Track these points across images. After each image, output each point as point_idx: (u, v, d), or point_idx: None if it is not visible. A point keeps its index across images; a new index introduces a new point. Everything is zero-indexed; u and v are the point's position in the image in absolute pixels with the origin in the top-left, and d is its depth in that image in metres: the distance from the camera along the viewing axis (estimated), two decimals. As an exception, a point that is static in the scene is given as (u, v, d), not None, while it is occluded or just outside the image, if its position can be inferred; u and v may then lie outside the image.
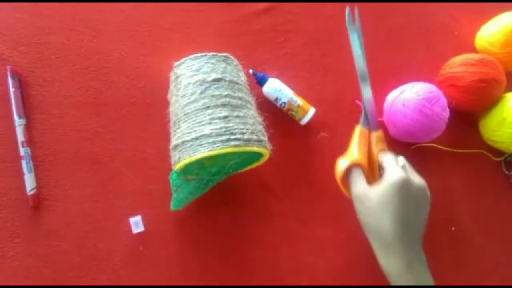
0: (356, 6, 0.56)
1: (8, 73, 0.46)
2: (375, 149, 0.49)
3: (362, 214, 0.43)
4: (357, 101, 0.56)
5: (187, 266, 0.48)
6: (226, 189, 0.50)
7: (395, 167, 0.42)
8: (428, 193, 0.44)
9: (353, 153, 0.47)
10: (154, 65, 0.52)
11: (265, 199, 0.51)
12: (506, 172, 0.60)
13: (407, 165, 0.45)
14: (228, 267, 0.49)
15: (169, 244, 0.48)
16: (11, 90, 0.46)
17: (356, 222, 0.53)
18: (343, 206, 0.54)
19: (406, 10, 0.62)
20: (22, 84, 0.47)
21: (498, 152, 0.59)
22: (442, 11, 0.63)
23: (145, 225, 0.47)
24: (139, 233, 0.47)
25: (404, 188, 0.41)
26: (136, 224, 0.46)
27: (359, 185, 0.43)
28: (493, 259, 0.58)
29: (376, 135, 0.50)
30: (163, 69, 0.52)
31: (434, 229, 0.56)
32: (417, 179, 0.43)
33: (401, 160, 0.46)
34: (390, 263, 0.41)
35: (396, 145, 0.57)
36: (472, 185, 0.58)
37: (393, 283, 0.41)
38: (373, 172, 0.49)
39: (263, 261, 0.50)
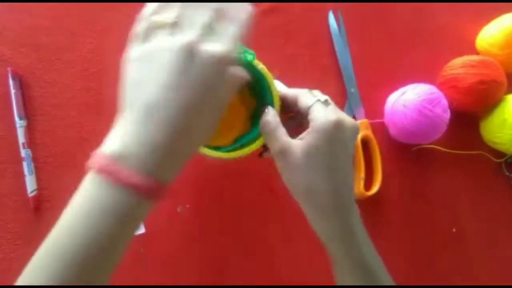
0: (339, 9, 0.57)
1: (9, 75, 0.46)
2: (358, 133, 0.53)
3: (286, 173, 0.34)
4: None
5: (188, 267, 0.48)
6: (226, 189, 0.50)
7: (323, 109, 0.33)
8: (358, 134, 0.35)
9: None
10: (155, 66, 0.52)
11: (265, 199, 0.51)
12: (507, 173, 0.60)
13: (333, 104, 0.35)
14: (228, 268, 0.49)
15: (170, 246, 0.48)
16: (12, 91, 0.46)
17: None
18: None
19: (406, 11, 0.62)
20: (23, 86, 0.47)
21: (499, 154, 0.59)
22: (443, 13, 0.63)
23: (146, 226, 0.47)
24: (140, 235, 0.47)
25: (336, 133, 0.31)
26: (137, 225, 0.46)
27: (279, 138, 0.33)
28: (494, 260, 0.58)
29: (360, 122, 0.55)
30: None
31: (435, 231, 0.56)
32: (348, 119, 0.33)
33: (326, 97, 0.35)
34: (326, 228, 0.34)
35: (397, 147, 0.57)
36: (473, 186, 0.58)
37: (331, 251, 0.35)
38: (358, 156, 0.53)
39: (263, 261, 0.50)
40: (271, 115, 0.35)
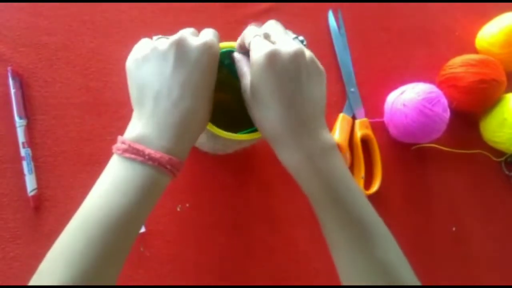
0: (339, 8, 0.57)
1: (9, 74, 0.46)
2: (358, 132, 0.54)
3: (249, 113, 0.35)
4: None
5: (188, 267, 0.48)
6: (226, 189, 0.50)
7: (259, 44, 0.32)
8: (307, 60, 0.32)
9: (335, 135, 0.53)
10: (154, 65, 0.52)
11: (266, 199, 0.51)
12: (507, 172, 0.60)
13: (277, 32, 0.34)
14: (228, 268, 0.49)
15: (170, 245, 0.48)
16: (12, 91, 0.46)
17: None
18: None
19: (406, 11, 0.62)
20: (23, 85, 0.47)
21: (498, 153, 0.59)
22: (442, 12, 0.63)
23: (146, 225, 0.47)
24: (140, 234, 0.47)
25: (269, 65, 0.30)
26: (137, 225, 0.46)
27: (243, 80, 0.34)
28: (494, 259, 0.58)
29: (359, 121, 0.55)
30: (163, 69, 0.52)
31: (435, 230, 0.56)
32: (288, 47, 0.31)
33: (265, 29, 0.34)
34: (288, 157, 0.33)
35: (397, 146, 0.57)
36: (472, 185, 0.59)
37: (297, 178, 0.33)
38: (358, 155, 0.54)
39: (263, 261, 0.50)
40: (238, 58, 0.36)
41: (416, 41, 0.62)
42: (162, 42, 0.32)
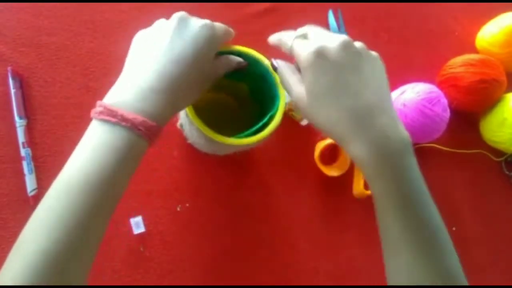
0: (339, 8, 0.57)
1: (9, 74, 0.46)
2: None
3: (307, 118, 0.34)
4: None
5: (188, 266, 0.48)
6: (226, 189, 0.50)
7: (301, 45, 0.32)
8: (358, 48, 0.32)
9: None
10: (154, 65, 0.52)
11: (266, 199, 0.51)
12: (507, 172, 0.60)
13: (315, 31, 0.33)
14: (228, 268, 0.49)
15: (169, 245, 0.48)
16: (12, 91, 0.46)
17: (359, 222, 0.54)
18: (345, 206, 0.54)
19: (407, 11, 0.62)
20: (23, 85, 0.47)
21: (498, 153, 0.59)
22: (442, 12, 0.63)
23: (145, 225, 0.47)
24: (140, 234, 0.47)
25: (320, 62, 0.30)
26: (137, 224, 0.46)
27: (292, 89, 0.33)
28: (494, 259, 0.58)
29: None
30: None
31: (435, 230, 0.56)
32: (332, 40, 0.31)
33: (304, 30, 0.34)
34: (358, 153, 0.30)
35: (397, 146, 0.57)
36: (472, 185, 0.59)
37: (366, 175, 0.31)
38: None
39: (263, 261, 0.50)
40: (282, 67, 0.35)
41: (416, 41, 0.62)
42: (168, 20, 0.34)
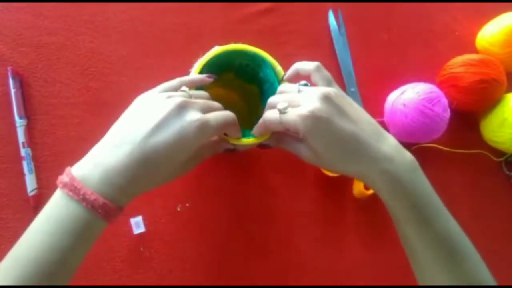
0: (339, 8, 0.57)
1: (9, 74, 0.46)
2: None
3: (310, 162, 0.37)
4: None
5: (188, 266, 0.48)
6: (227, 189, 0.50)
7: (290, 118, 0.34)
8: (336, 96, 0.34)
9: None
10: (154, 66, 0.52)
11: (266, 199, 0.51)
12: (507, 172, 0.60)
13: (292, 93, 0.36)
14: (228, 267, 0.49)
15: (169, 245, 0.48)
16: (12, 90, 0.46)
17: (359, 222, 0.54)
18: (345, 206, 0.54)
19: (407, 11, 0.62)
20: (23, 85, 0.47)
21: (498, 153, 0.59)
22: (442, 12, 0.63)
23: (146, 225, 0.47)
24: (140, 234, 0.47)
25: (314, 124, 0.32)
26: (137, 224, 0.46)
27: (288, 146, 0.38)
28: (495, 259, 0.57)
29: None
30: (164, 69, 0.52)
31: (435, 230, 0.56)
32: (312, 100, 0.33)
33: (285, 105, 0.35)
34: (374, 179, 0.34)
35: (397, 146, 0.57)
36: (472, 185, 0.58)
37: (383, 198, 0.35)
38: None
39: (263, 261, 0.50)
40: (284, 143, 0.38)
41: (416, 41, 0.62)
42: (169, 99, 0.32)
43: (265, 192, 0.52)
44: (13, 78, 0.46)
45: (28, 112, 0.47)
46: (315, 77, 0.37)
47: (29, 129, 0.46)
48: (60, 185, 0.30)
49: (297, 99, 0.34)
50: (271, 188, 0.52)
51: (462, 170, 0.58)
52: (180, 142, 0.31)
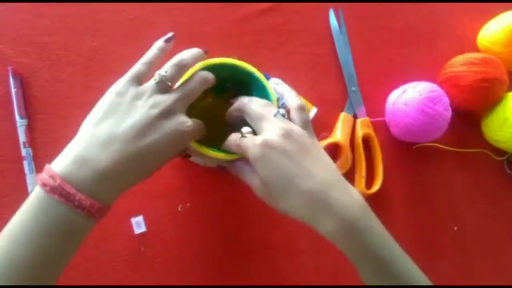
0: (340, 7, 0.57)
1: (10, 74, 0.46)
2: (359, 131, 0.54)
3: (273, 206, 0.36)
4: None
5: (189, 266, 0.48)
6: (227, 189, 0.50)
7: (247, 140, 0.34)
8: (298, 137, 0.34)
9: (336, 134, 0.53)
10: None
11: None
12: (509, 171, 0.60)
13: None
14: (229, 267, 0.49)
15: (170, 245, 0.48)
16: (13, 90, 0.46)
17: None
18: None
19: (407, 10, 0.62)
20: (23, 85, 0.47)
21: (500, 152, 0.59)
22: (444, 10, 0.63)
23: (146, 225, 0.47)
24: (141, 234, 0.47)
25: (267, 152, 0.33)
26: (138, 224, 0.46)
27: (253, 183, 0.37)
28: (496, 258, 0.57)
29: (361, 120, 0.55)
30: (164, 69, 0.52)
31: (437, 229, 0.56)
32: (278, 131, 0.33)
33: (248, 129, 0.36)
34: (328, 228, 0.33)
35: (398, 145, 0.57)
36: (474, 184, 0.58)
37: (341, 247, 0.33)
38: (359, 154, 0.54)
39: (263, 261, 0.50)
40: (237, 166, 0.38)
41: (417, 40, 0.61)
42: (153, 103, 0.32)
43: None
44: (14, 78, 0.46)
45: (28, 112, 0.47)
46: (293, 115, 0.37)
47: (30, 129, 0.46)
48: (45, 188, 0.28)
49: (263, 126, 0.34)
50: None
51: (463, 169, 0.58)
52: (171, 144, 0.32)
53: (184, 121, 0.33)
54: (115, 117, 0.31)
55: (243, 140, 0.34)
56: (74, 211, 0.28)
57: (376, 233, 0.32)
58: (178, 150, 0.34)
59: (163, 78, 0.34)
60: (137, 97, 0.33)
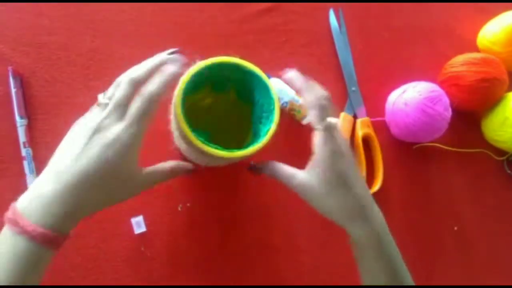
0: (340, 7, 0.57)
1: (10, 74, 0.46)
2: (359, 131, 0.54)
3: (316, 202, 0.39)
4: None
5: (189, 266, 0.48)
6: (227, 189, 0.50)
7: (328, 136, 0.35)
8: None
9: None
10: (155, 65, 0.52)
11: (266, 199, 0.51)
12: (509, 171, 0.60)
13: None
14: (229, 267, 0.49)
15: (170, 245, 0.48)
16: (13, 90, 0.46)
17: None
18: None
19: (407, 10, 0.62)
20: (23, 85, 0.47)
21: (500, 152, 0.59)
22: (444, 10, 0.63)
23: (146, 225, 0.47)
24: (141, 234, 0.47)
25: (337, 155, 0.35)
26: (138, 224, 0.46)
27: (288, 182, 0.39)
28: (496, 258, 0.57)
29: (361, 120, 0.55)
30: (164, 69, 0.52)
31: (437, 229, 0.56)
32: (346, 140, 0.37)
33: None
34: (361, 233, 0.36)
35: (398, 145, 0.57)
36: (474, 184, 0.58)
37: (363, 255, 0.37)
38: (359, 154, 0.54)
39: (264, 261, 0.50)
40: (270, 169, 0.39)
41: (417, 40, 0.61)
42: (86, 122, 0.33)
43: (266, 191, 0.51)
44: (14, 78, 0.46)
45: (28, 112, 0.47)
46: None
47: (30, 129, 0.46)
48: (5, 221, 0.30)
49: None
50: (273, 188, 0.52)
51: (463, 169, 0.58)
52: (106, 160, 0.31)
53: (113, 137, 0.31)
54: (61, 146, 0.34)
55: (323, 134, 0.35)
56: (23, 238, 0.29)
57: (393, 246, 0.37)
58: (124, 162, 0.32)
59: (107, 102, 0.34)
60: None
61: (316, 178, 0.36)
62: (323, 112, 0.35)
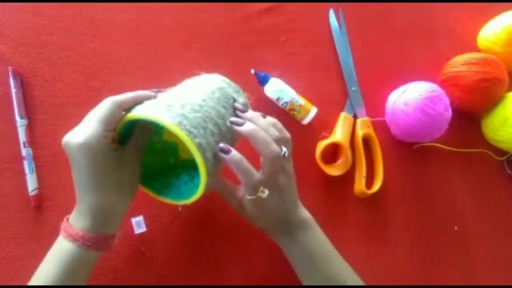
0: (340, 7, 0.57)
1: (10, 74, 0.46)
2: (359, 131, 0.54)
3: (254, 204, 0.42)
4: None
5: (189, 266, 0.48)
6: (228, 189, 0.50)
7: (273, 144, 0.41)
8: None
9: (336, 134, 0.53)
10: (155, 65, 0.52)
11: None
12: (509, 171, 0.60)
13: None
14: (230, 267, 0.49)
15: (170, 245, 0.48)
16: (13, 90, 0.46)
17: (358, 221, 0.54)
18: (346, 205, 0.54)
19: (408, 10, 0.62)
20: (23, 85, 0.47)
21: (500, 152, 0.59)
22: (444, 11, 0.63)
23: (147, 225, 0.47)
24: (141, 234, 0.46)
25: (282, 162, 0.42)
26: (138, 224, 0.46)
27: (253, 176, 0.41)
28: (496, 258, 0.57)
29: (361, 120, 0.55)
30: (164, 69, 0.52)
31: (437, 229, 0.56)
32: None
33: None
34: (284, 241, 0.45)
35: (398, 145, 0.57)
36: (474, 184, 0.58)
37: (289, 257, 0.45)
38: (359, 154, 0.54)
39: (263, 261, 0.50)
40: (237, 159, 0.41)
41: (417, 40, 0.61)
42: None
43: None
44: (14, 77, 0.46)
45: (29, 112, 0.47)
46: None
47: (30, 129, 0.46)
48: (61, 231, 0.38)
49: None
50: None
51: (464, 169, 0.58)
52: (81, 169, 0.37)
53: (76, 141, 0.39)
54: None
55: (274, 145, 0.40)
56: (70, 242, 0.36)
57: (312, 235, 0.44)
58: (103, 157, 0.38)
59: None
60: None
61: (261, 178, 0.40)
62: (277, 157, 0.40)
